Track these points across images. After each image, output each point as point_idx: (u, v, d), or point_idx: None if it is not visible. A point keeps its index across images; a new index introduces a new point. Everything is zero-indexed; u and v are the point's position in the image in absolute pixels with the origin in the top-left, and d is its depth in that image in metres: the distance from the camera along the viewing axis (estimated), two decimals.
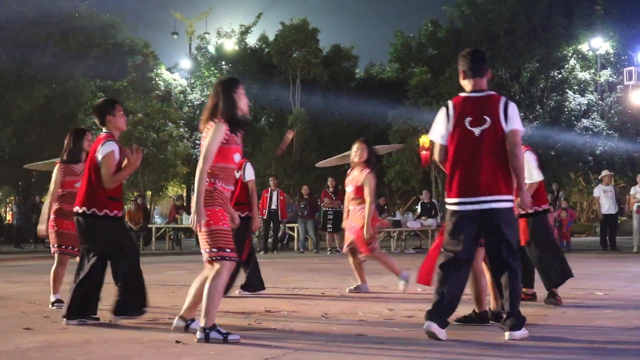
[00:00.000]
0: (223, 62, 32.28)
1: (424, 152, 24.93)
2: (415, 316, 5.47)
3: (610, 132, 27.28)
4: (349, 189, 7.58)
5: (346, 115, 29.67)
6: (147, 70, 29.80)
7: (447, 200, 4.60)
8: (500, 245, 4.44)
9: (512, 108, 4.54)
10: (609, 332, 4.72)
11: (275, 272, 10.34)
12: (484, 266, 5.10)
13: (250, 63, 30.75)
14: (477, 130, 4.49)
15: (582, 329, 4.89)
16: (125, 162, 5.50)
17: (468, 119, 4.52)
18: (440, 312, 4.37)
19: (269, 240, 16.74)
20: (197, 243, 4.81)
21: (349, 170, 7.80)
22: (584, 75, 28.93)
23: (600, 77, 28.80)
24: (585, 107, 28.22)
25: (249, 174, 7.44)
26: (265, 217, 15.99)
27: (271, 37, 30.50)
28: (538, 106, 28.39)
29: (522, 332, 4.40)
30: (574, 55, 29.00)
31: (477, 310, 5.17)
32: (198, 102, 32.29)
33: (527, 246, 6.25)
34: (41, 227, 6.61)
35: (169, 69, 34.56)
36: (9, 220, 29.89)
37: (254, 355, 4.07)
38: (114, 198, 5.41)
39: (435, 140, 4.69)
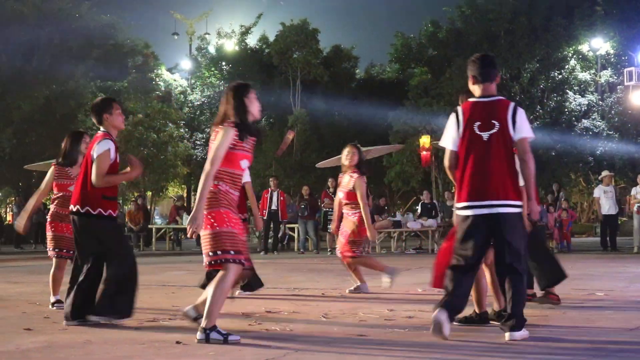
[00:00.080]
0: (223, 63, 32.30)
1: (424, 153, 24.93)
2: (415, 317, 5.47)
3: (610, 132, 27.25)
4: (340, 194, 7.71)
5: (346, 116, 29.65)
6: (147, 71, 29.83)
7: (457, 205, 4.61)
8: (505, 250, 4.47)
9: (521, 114, 4.57)
10: (610, 333, 4.72)
11: (276, 272, 10.35)
12: (484, 267, 5.10)
13: (251, 64, 30.75)
14: (485, 135, 4.52)
15: (582, 330, 4.88)
16: (127, 168, 5.49)
17: (477, 124, 4.55)
18: (450, 308, 4.39)
19: (269, 240, 16.76)
20: (198, 244, 4.79)
21: (340, 175, 7.98)
22: (584, 75, 28.89)
23: (600, 77, 28.76)
24: (586, 108, 28.18)
25: (245, 176, 7.46)
26: (265, 218, 15.98)
27: (271, 38, 30.53)
28: (538, 107, 28.37)
29: (523, 333, 4.41)
30: (574, 56, 28.97)
31: (477, 311, 5.18)
32: (198, 103, 32.32)
33: None
34: (19, 223, 6.51)
35: (170, 70, 34.56)
36: (9, 220, 29.89)
37: (254, 356, 4.07)
38: (109, 197, 5.34)
39: (446, 146, 4.69)
